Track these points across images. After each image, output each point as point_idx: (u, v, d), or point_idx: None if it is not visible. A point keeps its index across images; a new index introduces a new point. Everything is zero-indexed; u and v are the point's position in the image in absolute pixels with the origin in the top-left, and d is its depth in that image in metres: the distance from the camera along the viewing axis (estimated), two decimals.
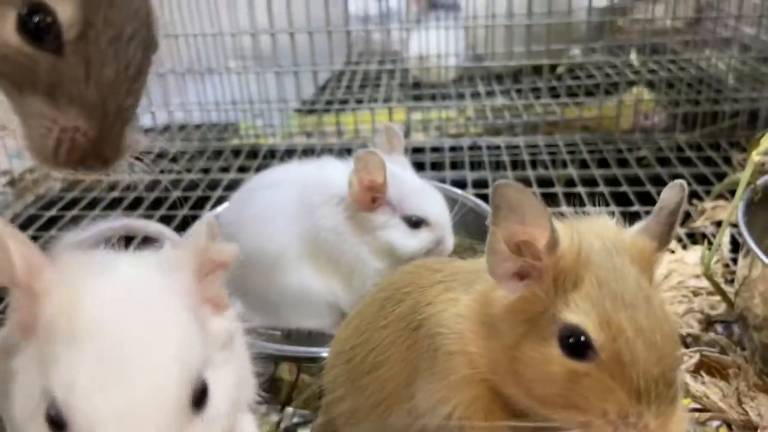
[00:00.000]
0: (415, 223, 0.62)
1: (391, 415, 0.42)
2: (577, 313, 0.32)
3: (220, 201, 0.99)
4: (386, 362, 0.41)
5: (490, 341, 0.36)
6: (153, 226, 0.68)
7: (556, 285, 0.33)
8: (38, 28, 0.30)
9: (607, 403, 0.31)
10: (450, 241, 0.64)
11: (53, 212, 0.99)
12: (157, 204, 0.99)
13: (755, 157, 0.61)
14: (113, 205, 1.01)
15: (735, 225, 0.63)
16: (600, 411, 0.31)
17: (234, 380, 0.33)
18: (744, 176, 0.62)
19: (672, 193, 0.38)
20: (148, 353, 0.28)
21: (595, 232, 0.36)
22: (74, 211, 0.99)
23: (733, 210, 0.61)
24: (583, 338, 0.32)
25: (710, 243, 0.68)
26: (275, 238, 0.62)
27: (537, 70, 1.21)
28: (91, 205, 1.01)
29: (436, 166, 1.11)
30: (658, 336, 0.31)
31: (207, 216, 0.35)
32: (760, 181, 0.64)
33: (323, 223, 0.61)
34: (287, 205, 0.63)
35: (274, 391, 0.62)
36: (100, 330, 0.27)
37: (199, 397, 0.29)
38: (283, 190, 0.64)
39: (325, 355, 0.53)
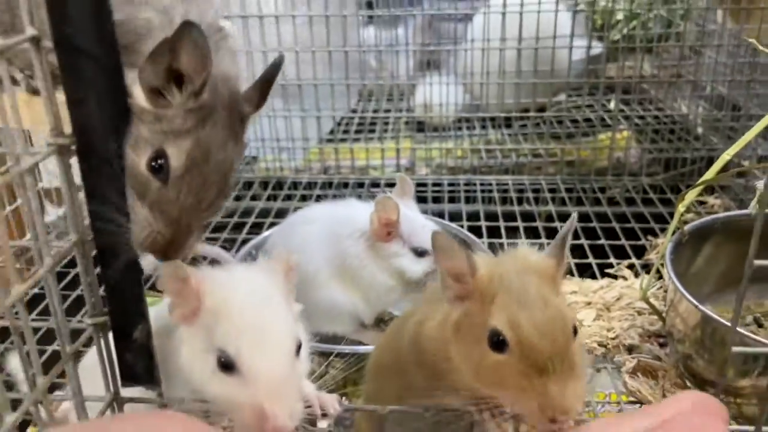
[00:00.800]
0: (420, 253, 0.81)
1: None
2: (496, 319, 0.43)
3: (255, 226, 1.17)
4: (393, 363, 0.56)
5: (453, 344, 0.47)
6: (214, 250, 0.88)
7: (482, 301, 0.44)
8: (159, 166, 0.47)
9: (521, 380, 0.41)
10: None
11: None
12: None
13: (681, 208, 0.79)
14: None
15: None
16: (519, 387, 0.41)
17: (306, 341, 0.51)
18: (672, 224, 0.80)
19: (567, 224, 0.49)
20: (276, 324, 0.46)
21: (512, 258, 0.47)
22: None
23: (664, 249, 0.80)
24: (501, 337, 0.42)
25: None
26: (312, 261, 0.81)
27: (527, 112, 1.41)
28: None
29: (436, 199, 1.29)
30: (550, 326, 0.42)
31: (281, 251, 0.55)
32: (687, 227, 0.83)
33: (349, 251, 0.80)
34: (321, 236, 0.82)
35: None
36: (245, 311, 0.46)
37: (297, 349, 0.47)
38: (317, 225, 0.83)
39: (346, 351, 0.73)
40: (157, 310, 0.50)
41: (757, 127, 0.76)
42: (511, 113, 1.36)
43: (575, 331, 0.44)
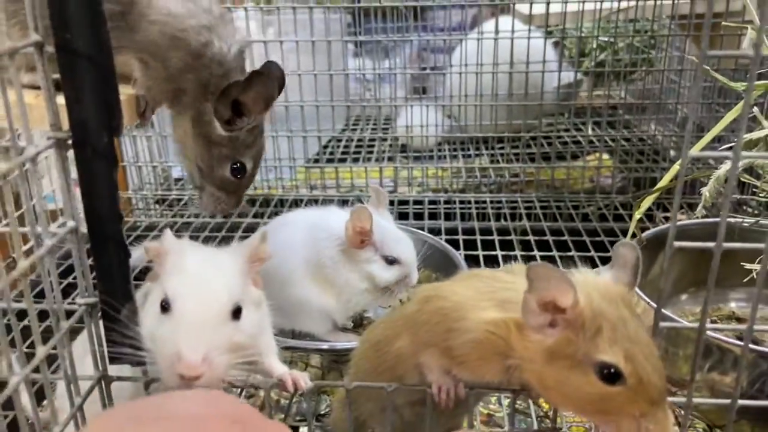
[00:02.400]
0: (391, 261, 0.86)
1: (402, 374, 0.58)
2: (608, 354, 0.44)
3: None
4: (399, 338, 0.59)
5: (541, 366, 0.48)
6: None
7: (584, 331, 0.45)
8: (239, 169, 0.74)
9: (633, 408, 0.44)
10: (414, 276, 0.88)
11: None
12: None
13: (637, 215, 0.85)
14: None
15: None
16: (629, 414, 0.45)
17: (256, 318, 0.55)
18: (630, 229, 0.86)
19: (627, 250, 0.52)
20: (216, 282, 0.52)
21: (594, 286, 0.48)
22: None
23: None
24: (613, 370, 0.44)
25: None
26: (289, 261, 0.86)
27: (504, 137, 1.47)
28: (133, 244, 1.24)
29: (418, 216, 1.35)
30: (656, 360, 0.45)
31: (262, 229, 0.62)
32: (645, 234, 0.88)
33: (324, 253, 0.85)
34: (299, 238, 0.87)
35: None
36: (193, 267, 0.53)
37: (236, 312, 0.52)
38: (297, 228, 0.89)
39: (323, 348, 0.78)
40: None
41: (706, 138, 0.82)
42: (488, 135, 1.43)
43: None
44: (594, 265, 1.09)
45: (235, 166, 0.73)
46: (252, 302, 0.55)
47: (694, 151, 0.45)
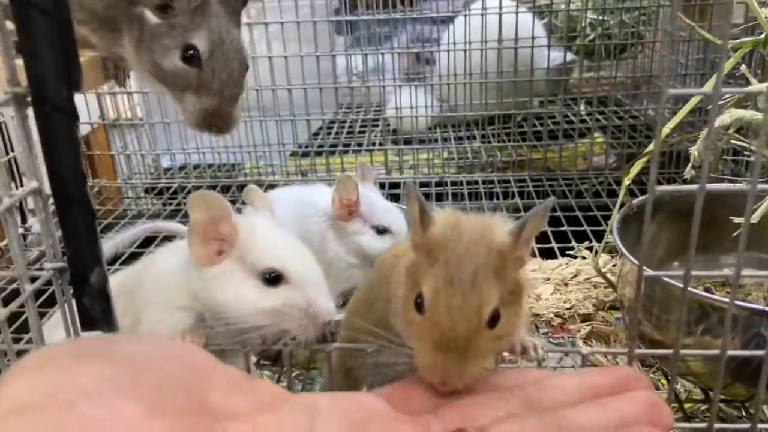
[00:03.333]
0: (382, 230, 0.84)
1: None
2: (425, 283, 0.42)
3: None
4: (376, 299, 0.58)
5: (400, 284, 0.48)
6: (176, 226, 0.91)
7: (427, 258, 0.43)
8: (191, 56, 0.57)
9: (425, 345, 0.42)
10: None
11: None
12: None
13: (627, 180, 0.84)
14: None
15: None
16: (421, 349, 0.42)
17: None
18: (620, 197, 0.84)
19: (545, 203, 0.46)
20: (298, 241, 0.59)
21: (476, 225, 0.44)
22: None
23: (612, 223, 0.84)
24: (421, 301, 0.42)
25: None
26: None
27: (495, 117, 1.46)
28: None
29: None
30: (461, 311, 0.41)
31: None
32: (635, 201, 0.87)
33: (311, 229, 0.84)
34: (285, 216, 0.85)
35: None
36: (273, 233, 0.57)
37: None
38: (284, 204, 0.87)
39: None
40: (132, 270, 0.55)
41: (689, 105, 0.81)
42: (479, 114, 1.41)
43: (494, 320, 0.43)
44: (586, 240, 1.07)
45: (186, 54, 0.57)
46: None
47: (673, 90, 0.43)
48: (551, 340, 0.81)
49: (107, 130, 1.43)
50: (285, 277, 0.53)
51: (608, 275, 0.88)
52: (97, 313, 0.50)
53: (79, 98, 0.46)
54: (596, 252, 0.87)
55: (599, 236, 1.10)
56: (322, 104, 1.37)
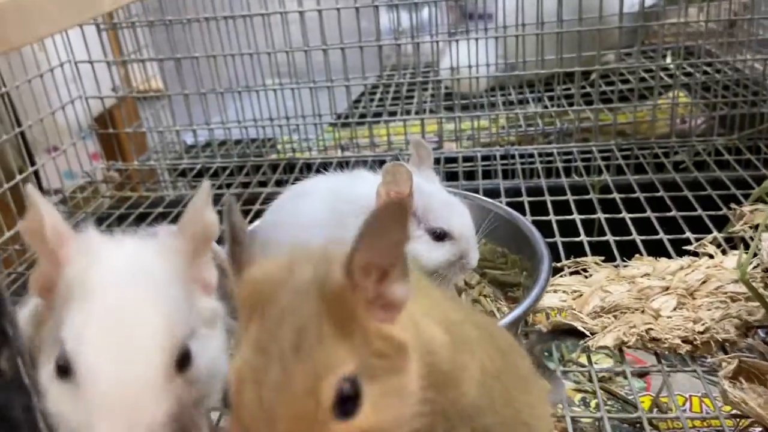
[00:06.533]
0: (440, 235, 0.64)
1: None
2: (232, 364, 0.28)
3: (258, 214, 1.02)
4: None
5: None
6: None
7: (248, 318, 0.28)
8: None
9: None
10: (474, 255, 0.65)
11: (102, 228, 1.03)
12: None
13: None
14: (158, 219, 1.05)
15: None
16: None
17: (215, 353, 0.38)
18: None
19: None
20: (142, 321, 0.34)
21: (313, 259, 0.30)
22: (122, 227, 1.03)
23: (763, 218, 0.61)
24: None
25: (748, 247, 0.67)
26: (308, 242, 0.64)
27: (570, 76, 1.22)
28: (138, 219, 1.06)
29: (469, 175, 1.12)
30: (280, 393, 0.26)
31: (204, 186, 0.42)
32: None
33: (351, 231, 0.63)
34: (320, 212, 0.66)
35: None
36: (105, 296, 0.34)
37: (182, 361, 0.35)
38: (317, 199, 0.67)
39: None
40: None
41: None
42: (554, 71, 1.16)
43: (348, 401, 0.26)
44: (703, 229, 0.84)
45: None
46: (204, 325, 0.38)
47: None
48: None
49: (122, 104, 1.25)
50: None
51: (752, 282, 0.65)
52: (17, 414, 0.32)
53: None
54: (741, 258, 0.64)
55: (719, 223, 0.86)
56: (364, 66, 1.16)
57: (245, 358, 0.27)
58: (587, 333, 0.66)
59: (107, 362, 0.32)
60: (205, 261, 0.40)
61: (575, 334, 0.69)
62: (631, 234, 0.84)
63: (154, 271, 0.37)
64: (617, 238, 0.83)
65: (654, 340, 0.64)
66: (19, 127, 1.00)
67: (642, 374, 0.82)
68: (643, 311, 0.68)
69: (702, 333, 0.64)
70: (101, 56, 1.17)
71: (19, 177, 0.97)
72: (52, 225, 0.36)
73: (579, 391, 0.80)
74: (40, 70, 1.05)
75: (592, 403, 0.78)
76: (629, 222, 0.87)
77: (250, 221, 0.99)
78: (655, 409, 0.75)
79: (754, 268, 0.72)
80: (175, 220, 1.07)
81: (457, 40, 1.22)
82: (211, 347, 0.37)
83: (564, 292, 0.73)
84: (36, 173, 1.06)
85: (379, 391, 0.27)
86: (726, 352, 0.63)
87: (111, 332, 0.33)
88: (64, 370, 0.33)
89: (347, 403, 0.26)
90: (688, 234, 0.83)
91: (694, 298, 0.69)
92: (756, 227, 0.82)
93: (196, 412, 0.35)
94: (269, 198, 1.07)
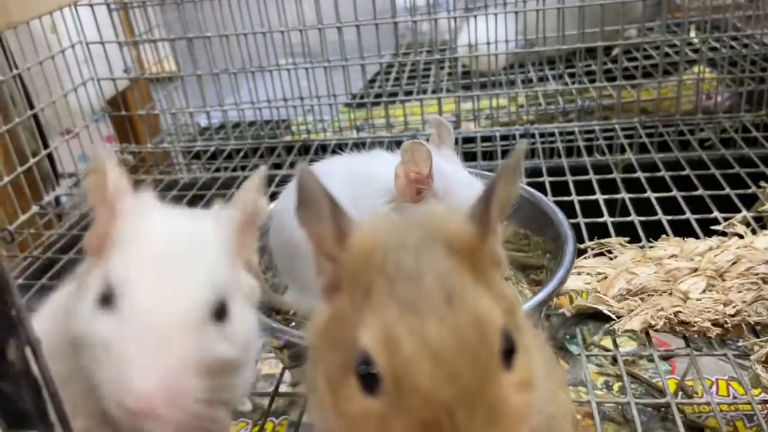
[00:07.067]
0: None
1: None
2: (365, 333, 0.25)
3: (273, 197, 1.00)
4: None
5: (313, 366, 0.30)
6: None
7: (353, 293, 0.27)
8: None
9: None
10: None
11: None
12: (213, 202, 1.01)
13: None
14: (173, 203, 1.04)
15: None
16: None
17: (249, 320, 0.39)
18: None
19: (508, 161, 0.30)
20: (186, 266, 0.36)
21: (419, 222, 0.29)
22: None
23: None
24: (370, 367, 0.25)
25: None
26: None
27: (591, 52, 1.18)
28: None
29: (488, 155, 1.09)
30: (455, 349, 0.24)
31: (260, 171, 0.43)
32: None
33: (368, 213, 0.62)
34: (336, 194, 0.63)
35: None
36: (155, 242, 0.37)
37: (220, 313, 0.36)
38: (332, 181, 0.65)
39: None
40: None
41: None
42: (576, 47, 1.13)
43: (509, 349, 0.25)
44: (731, 209, 0.81)
45: None
46: (241, 292, 0.39)
47: None
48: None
49: (135, 86, 1.24)
50: None
51: None
52: (27, 405, 0.31)
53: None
54: None
55: (747, 201, 0.84)
56: (379, 45, 1.13)
57: (389, 320, 0.24)
58: (613, 316, 0.64)
59: (148, 295, 0.34)
60: (251, 241, 0.42)
61: (599, 317, 0.67)
62: (656, 214, 0.81)
63: (202, 230, 0.39)
64: (642, 219, 0.80)
65: (683, 323, 0.62)
66: (31, 110, 0.99)
67: (666, 357, 0.80)
68: (670, 293, 0.65)
69: (733, 316, 0.61)
70: (113, 37, 1.15)
71: (32, 160, 0.97)
72: (115, 180, 0.38)
73: (601, 374, 0.79)
74: (52, 51, 1.03)
75: (615, 387, 0.76)
76: (654, 202, 0.84)
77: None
78: (680, 393, 0.73)
79: None
80: (190, 203, 1.06)
81: (474, 16, 1.19)
82: (247, 317, 0.38)
83: (588, 274, 0.71)
84: (50, 156, 1.05)
85: (521, 346, 0.26)
86: (757, 336, 0.61)
87: (156, 271, 0.35)
88: (107, 299, 0.34)
89: (509, 353, 0.25)
90: (716, 213, 0.80)
91: (723, 280, 0.66)
92: None
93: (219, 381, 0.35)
94: (284, 180, 1.06)
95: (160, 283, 0.35)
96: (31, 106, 1.00)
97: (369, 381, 0.24)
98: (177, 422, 0.33)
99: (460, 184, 0.63)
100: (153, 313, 0.34)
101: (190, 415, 0.33)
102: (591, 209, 0.84)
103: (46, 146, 1.04)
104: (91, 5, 1.10)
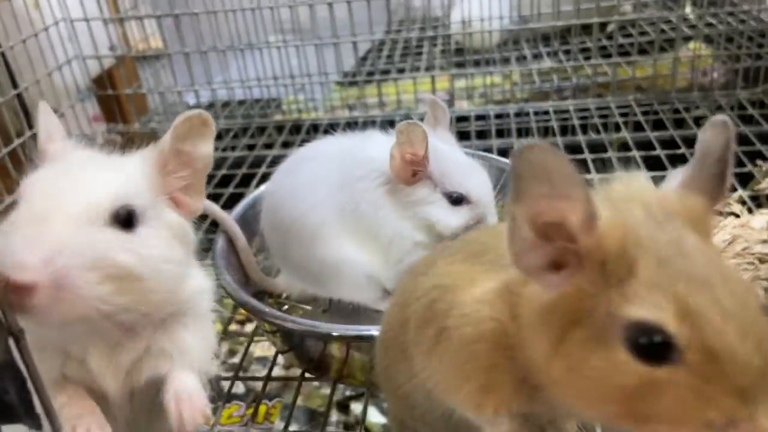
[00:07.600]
0: (456, 199, 0.60)
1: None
2: (646, 306, 0.26)
3: (264, 178, 0.99)
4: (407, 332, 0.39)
5: (524, 346, 0.31)
6: (212, 208, 0.70)
7: (605, 273, 0.27)
8: None
9: (710, 412, 0.26)
10: (493, 220, 0.62)
11: None
12: None
13: None
14: None
15: None
16: (701, 422, 0.26)
17: (166, 245, 0.41)
18: None
19: (714, 134, 0.30)
20: (88, 176, 0.40)
21: (631, 198, 0.30)
22: None
23: None
24: (659, 337, 0.26)
25: None
26: (315, 209, 0.62)
27: (586, 29, 1.16)
28: None
29: (482, 134, 1.08)
30: (750, 316, 0.26)
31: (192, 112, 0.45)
32: None
33: (363, 196, 0.61)
34: (329, 177, 0.62)
35: (326, 367, 0.62)
36: (68, 161, 0.42)
37: (125, 221, 0.39)
38: (325, 162, 0.64)
39: (372, 333, 0.53)
40: None
41: None
42: (568, 24, 1.11)
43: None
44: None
45: None
46: (164, 224, 0.42)
47: None
48: None
49: (121, 64, 1.21)
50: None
51: None
52: (14, 399, 0.30)
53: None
54: None
55: (744, 180, 0.83)
56: (371, 21, 1.11)
57: (682, 294, 0.26)
58: None
59: (42, 194, 0.38)
60: (191, 187, 0.44)
61: None
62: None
63: (117, 161, 0.43)
64: None
65: None
66: (15, 90, 0.97)
67: None
68: None
69: None
70: (97, 13, 1.12)
71: (17, 141, 0.94)
72: (45, 125, 0.45)
73: None
74: (35, 29, 1.01)
75: None
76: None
77: (257, 185, 0.97)
78: None
79: None
80: None
81: None
82: (163, 241, 0.41)
83: None
84: (35, 137, 1.03)
85: None
86: None
87: (56, 180, 0.39)
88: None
89: None
90: None
91: None
92: None
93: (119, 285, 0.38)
94: (275, 161, 1.04)
95: (56, 187, 0.39)
96: (15, 86, 0.97)
97: (652, 351, 0.26)
98: (69, 311, 0.35)
99: (456, 165, 0.62)
100: (44, 204, 0.38)
101: (84, 308, 0.35)
102: None
103: (31, 127, 1.02)
104: None
